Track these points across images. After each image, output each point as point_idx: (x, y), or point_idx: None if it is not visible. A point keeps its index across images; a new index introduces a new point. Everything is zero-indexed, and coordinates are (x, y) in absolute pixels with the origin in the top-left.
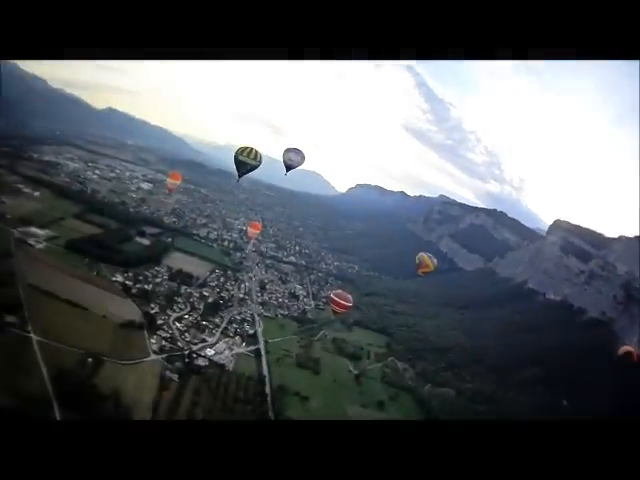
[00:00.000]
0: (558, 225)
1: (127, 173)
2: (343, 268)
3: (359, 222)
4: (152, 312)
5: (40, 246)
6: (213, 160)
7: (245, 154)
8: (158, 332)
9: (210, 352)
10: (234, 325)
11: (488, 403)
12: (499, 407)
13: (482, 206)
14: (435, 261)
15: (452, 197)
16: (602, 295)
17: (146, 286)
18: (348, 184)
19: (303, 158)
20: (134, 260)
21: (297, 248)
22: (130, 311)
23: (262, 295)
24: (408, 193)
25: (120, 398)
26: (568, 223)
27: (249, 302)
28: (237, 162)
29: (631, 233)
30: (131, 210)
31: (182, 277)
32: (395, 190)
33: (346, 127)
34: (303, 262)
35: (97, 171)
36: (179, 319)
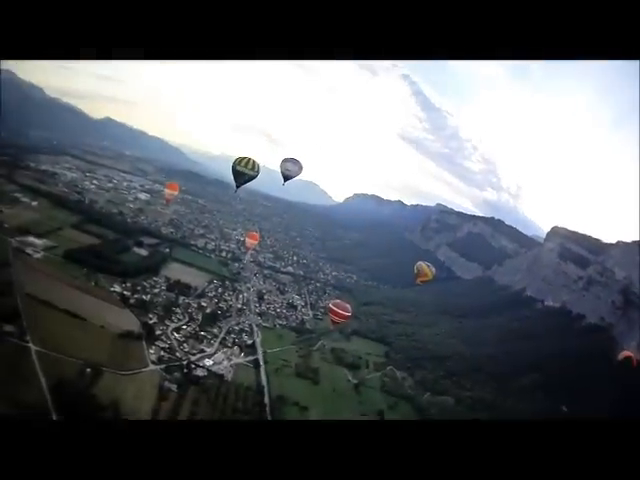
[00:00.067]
0: (556, 232)
1: (125, 183)
2: (341, 278)
3: (356, 232)
4: (150, 322)
5: (38, 256)
6: (210, 170)
7: (243, 164)
8: (156, 342)
9: (209, 362)
10: (232, 335)
11: (488, 411)
12: (499, 414)
13: (480, 214)
14: (434, 270)
15: (449, 206)
16: (601, 301)
17: (144, 296)
18: (345, 194)
19: (301, 168)
20: (132, 270)
21: (295, 258)
22: (128, 321)
23: (260, 305)
24: (405, 202)
25: (119, 408)
26: (566, 230)
27: (247, 312)
28: (235, 172)
29: (629, 238)
30: (129, 220)
31: (180, 288)
32: (392, 199)
33: (343, 137)
34: (301, 272)
35: (95, 181)
36: (177, 329)
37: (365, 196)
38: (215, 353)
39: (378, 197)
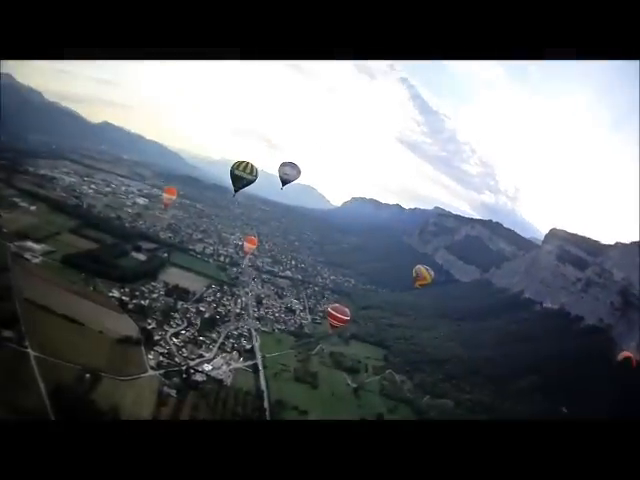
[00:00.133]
0: (554, 234)
1: (123, 188)
2: (339, 282)
3: (355, 236)
4: (149, 328)
5: (36, 260)
6: (208, 175)
7: (241, 169)
8: (155, 348)
9: (208, 367)
10: (231, 340)
11: (487, 413)
12: (498, 417)
13: (477, 217)
14: (432, 273)
15: (447, 209)
16: (599, 302)
17: (142, 302)
18: (343, 198)
19: (299, 172)
20: (130, 275)
21: (293, 262)
22: (127, 327)
23: (259, 310)
24: (403, 206)
25: (118, 414)
26: (564, 232)
27: (246, 317)
28: (233, 177)
29: (627, 239)
30: (127, 225)
31: (178, 292)
32: (390, 203)
33: (341, 141)
34: (299, 276)
35: (93, 186)
36: (176, 335)
37: (363, 200)
38: (214, 358)
39: (376, 201)
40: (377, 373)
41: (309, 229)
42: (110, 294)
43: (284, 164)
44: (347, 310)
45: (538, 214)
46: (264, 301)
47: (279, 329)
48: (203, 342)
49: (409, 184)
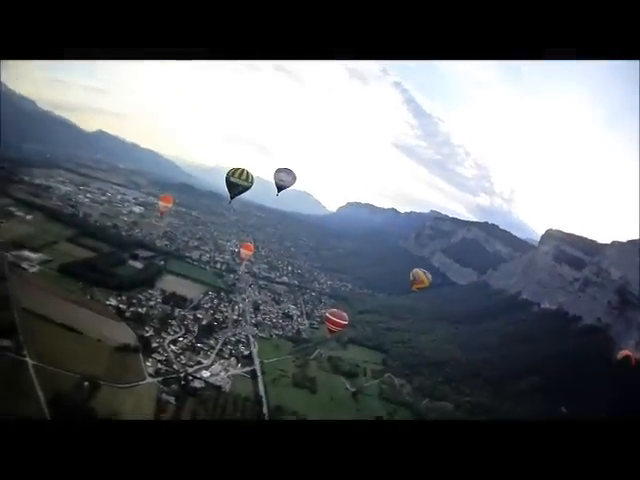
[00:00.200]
0: (550, 234)
1: (119, 196)
2: (336, 287)
3: (350, 241)
4: (147, 335)
5: (33, 270)
6: (204, 182)
7: (237, 175)
8: (153, 355)
9: (206, 374)
10: (229, 347)
11: (487, 415)
12: (498, 418)
13: (473, 219)
14: (430, 276)
15: (443, 212)
16: (597, 301)
17: (140, 309)
18: (339, 203)
19: (294, 178)
20: (127, 283)
21: (290, 268)
22: (125, 334)
23: (256, 316)
24: (399, 210)
25: None
26: (560, 232)
27: (243, 323)
28: (229, 184)
29: (624, 238)
30: (123, 233)
31: (176, 300)
32: (386, 207)
33: (336, 146)
34: (296, 282)
35: (89, 194)
36: (174, 342)
37: (358, 205)
38: (212, 365)
39: (371, 205)
40: (376, 377)
41: (305, 235)
42: (107, 302)
43: (279, 170)
44: (345, 315)
45: (534, 215)
46: (261, 307)
47: (277, 335)
48: (201, 349)
49: (404, 188)
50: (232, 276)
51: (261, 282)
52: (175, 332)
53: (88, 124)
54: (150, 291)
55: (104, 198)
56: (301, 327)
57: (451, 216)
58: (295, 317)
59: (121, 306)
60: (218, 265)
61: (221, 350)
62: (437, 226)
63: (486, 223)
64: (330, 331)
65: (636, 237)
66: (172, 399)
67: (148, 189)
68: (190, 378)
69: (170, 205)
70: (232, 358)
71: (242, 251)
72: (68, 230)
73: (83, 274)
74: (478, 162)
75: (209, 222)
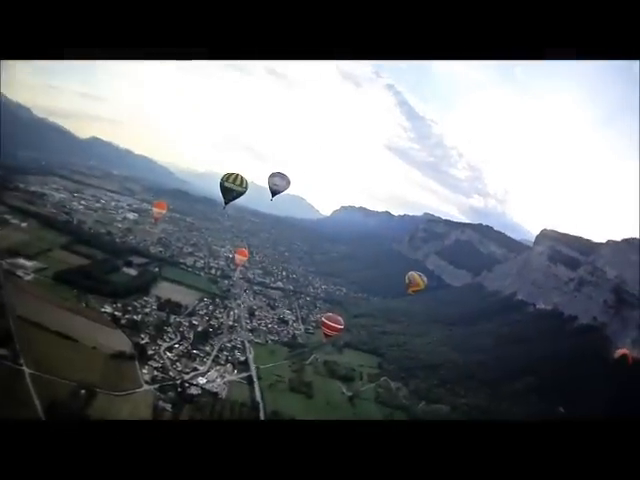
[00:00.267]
0: (545, 235)
1: (113, 203)
2: (331, 291)
3: (344, 245)
4: (142, 342)
5: (28, 277)
6: (198, 188)
7: (231, 181)
8: (149, 362)
9: (202, 381)
10: (225, 353)
11: (483, 416)
12: (494, 419)
13: (467, 221)
14: (425, 279)
15: (437, 214)
16: (592, 301)
17: (135, 316)
18: (332, 207)
19: (288, 183)
20: (122, 291)
21: (284, 273)
22: (120, 342)
23: (251, 322)
24: (393, 213)
25: None
26: (555, 232)
27: (239, 329)
28: (223, 189)
29: (618, 236)
30: (117, 240)
31: (171, 306)
32: (379, 210)
33: (329, 149)
34: (291, 287)
35: (83, 201)
36: (170, 349)
37: (352, 208)
38: (208, 371)
39: (365, 209)
40: (372, 381)
41: (299, 239)
42: (102, 310)
43: (273, 175)
44: (341, 319)
45: (528, 216)
46: (256, 313)
47: (272, 340)
48: (197, 355)
49: (397, 191)
50: (227, 282)
51: (256, 287)
52: (171, 339)
53: (82, 131)
54: (145, 298)
55: (98, 205)
56: (297, 332)
57: (445, 218)
58: (290, 322)
59: (116, 313)
60: (213, 271)
61: (217, 356)
62: (431, 228)
63: (480, 224)
64: (326, 335)
65: (630, 236)
66: (169, 406)
67: (142, 195)
68: (186, 385)
69: (164, 211)
70: (228, 364)
71: (237, 257)
72: (62, 237)
73: (78, 281)
74: (471, 164)
75: (203, 228)
